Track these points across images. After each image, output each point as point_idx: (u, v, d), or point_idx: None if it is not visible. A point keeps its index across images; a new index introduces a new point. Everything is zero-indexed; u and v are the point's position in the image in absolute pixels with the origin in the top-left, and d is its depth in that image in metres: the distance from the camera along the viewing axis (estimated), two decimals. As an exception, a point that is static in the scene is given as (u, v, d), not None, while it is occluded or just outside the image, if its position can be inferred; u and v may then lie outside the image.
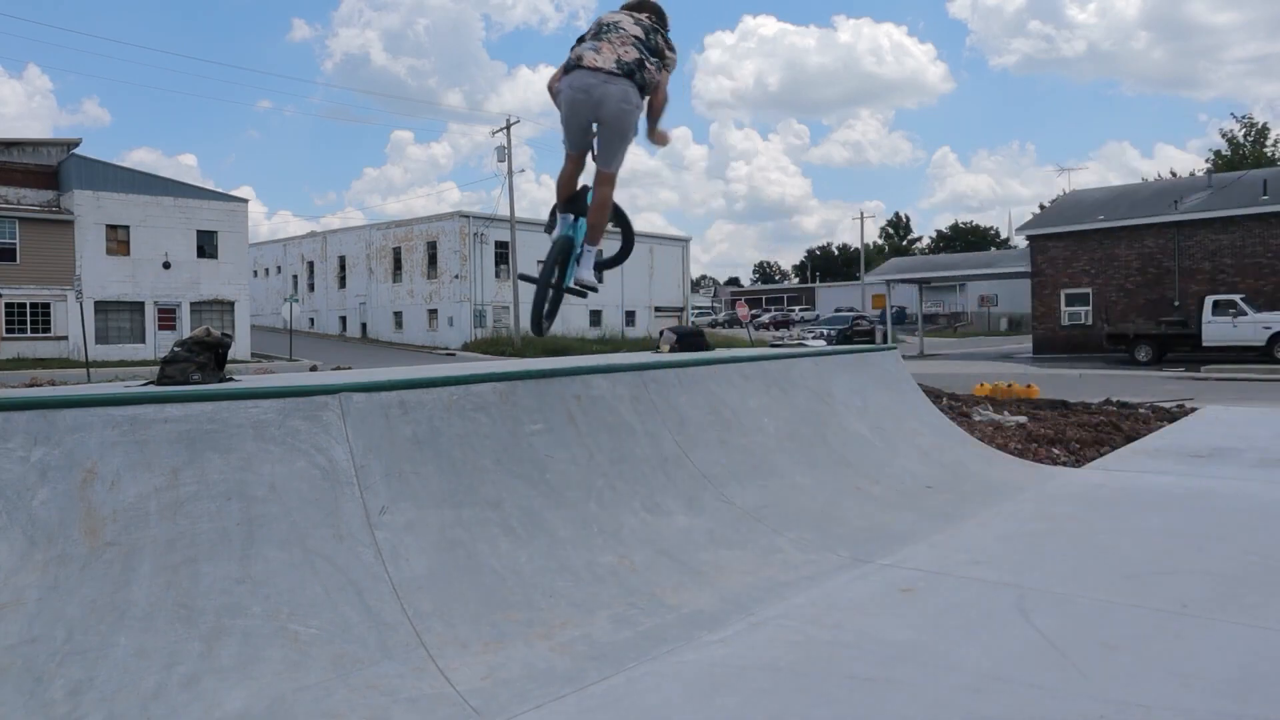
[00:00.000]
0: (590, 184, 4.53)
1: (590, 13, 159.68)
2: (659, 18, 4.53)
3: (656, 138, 4.56)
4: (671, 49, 4.46)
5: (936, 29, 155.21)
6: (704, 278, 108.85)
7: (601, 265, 4.88)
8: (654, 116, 4.48)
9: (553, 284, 4.70)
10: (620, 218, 4.99)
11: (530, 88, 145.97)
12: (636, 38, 4.30)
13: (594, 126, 4.35)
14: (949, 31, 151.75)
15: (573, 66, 4.24)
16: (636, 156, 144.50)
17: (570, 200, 4.58)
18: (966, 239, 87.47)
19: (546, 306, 4.79)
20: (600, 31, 4.34)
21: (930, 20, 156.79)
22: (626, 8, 4.55)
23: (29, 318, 33.93)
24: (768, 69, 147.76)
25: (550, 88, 4.42)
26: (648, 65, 4.28)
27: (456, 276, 45.10)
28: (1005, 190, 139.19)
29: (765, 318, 67.16)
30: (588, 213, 4.54)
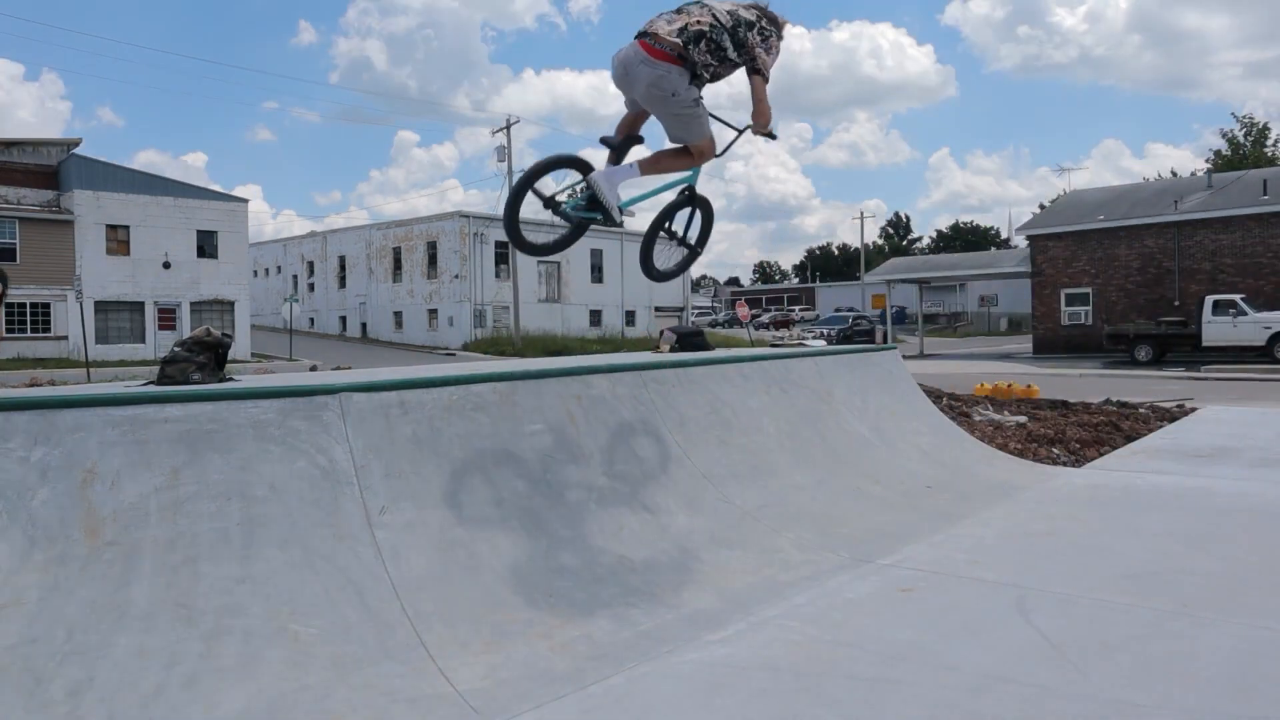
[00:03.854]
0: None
1: (592, 15, 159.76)
2: (769, 19, 4.14)
3: (755, 126, 4.18)
4: (761, 44, 3.99)
5: (933, 34, 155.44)
6: (704, 278, 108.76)
7: (669, 273, 4.99)
8: (756, 103, 4.07)
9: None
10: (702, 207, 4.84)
11: (533, 90, 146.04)
12: (714, 21, 3.94)
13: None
14: (945, 36, 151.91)
15: (639, 33, 4.01)
16: (638, 157, 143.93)
17: (622, 144, 4.40)
18: (966, 239, 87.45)
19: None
20: (683, 5, 4.07)
21: (926, 25, 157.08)
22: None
23: (29, 318, 33.93)
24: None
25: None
26: (713, 45, 3.92)
27: (456, 276, 45.10)
28: (1005, 190, 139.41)
29: (765, 318, 67.13)
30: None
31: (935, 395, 10.22)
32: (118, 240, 35.61)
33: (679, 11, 4.05)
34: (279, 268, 58.10)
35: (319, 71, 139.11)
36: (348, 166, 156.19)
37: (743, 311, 28.10)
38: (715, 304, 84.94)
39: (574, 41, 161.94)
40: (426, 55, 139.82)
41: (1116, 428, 8.99)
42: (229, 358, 4.79)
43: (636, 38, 3.99)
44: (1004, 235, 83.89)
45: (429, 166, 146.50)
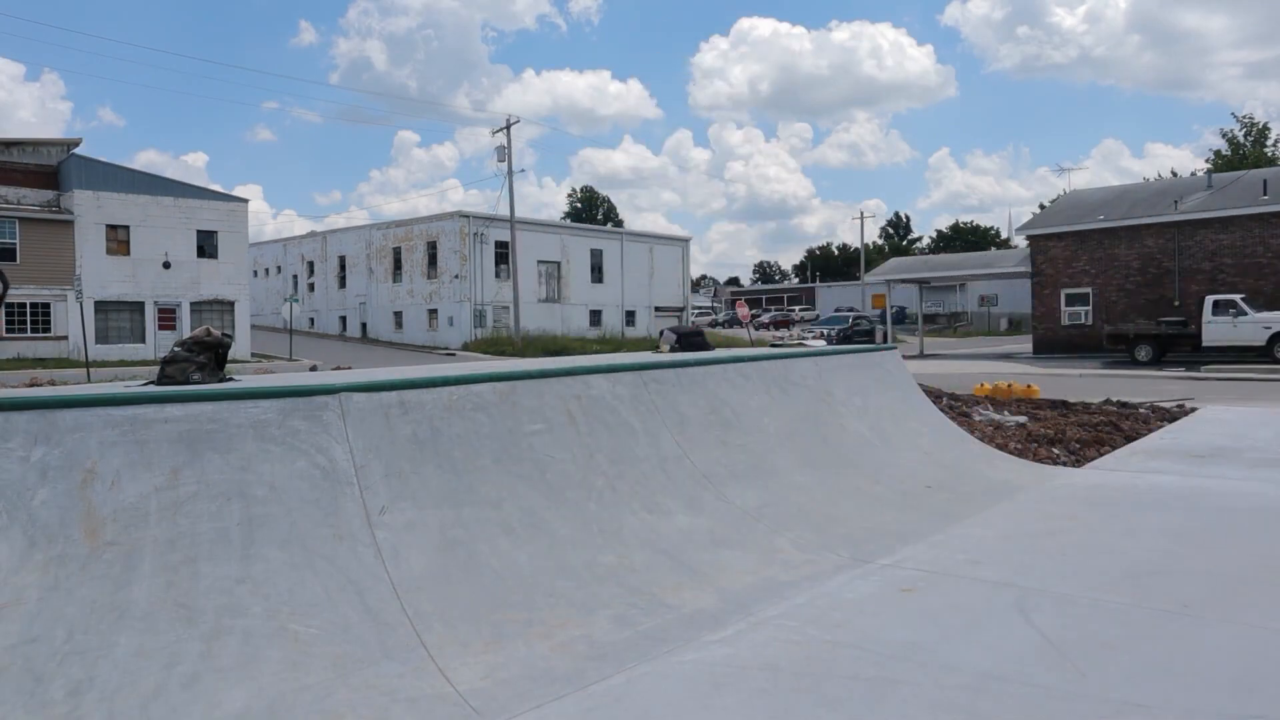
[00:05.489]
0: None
1: (592, 15, 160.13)
2: None
3: None
4: None
5: (933, 34, 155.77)
6: (704, 278, 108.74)
7: None
8: None
9: None
10: None
11: (533, 90, 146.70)
12: None
13: None
14: (945, 36, 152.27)
15: None
16: (638, 157, 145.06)
17: None
18: (966, 239, 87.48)
19: None
20: None
21: (925, 26, 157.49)
22: None
23: (29, 318, 33.92)
24: (764, 73, 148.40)
25: None
26: None
27: (456, 276, 45.09)
28: (1005, 190, 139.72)
29: (765, 318, 67.12)
30: None
31: (935, 395, 10.21)
32: (118, 240, 35.60)
33: None
34: (279, 268, 58.08)
35: (319, 71, 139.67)
36: (348, 166, 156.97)
37: (743, 311, 28.00)
38: (715, 304, 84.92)
39: (574, 42, 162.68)
40: (427, 55, 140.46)
41: (1116, 428, 8.99)
42: (229, 358, 4.79)
43: None
44: (1004, 235, 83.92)
45: (429, 166, 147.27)
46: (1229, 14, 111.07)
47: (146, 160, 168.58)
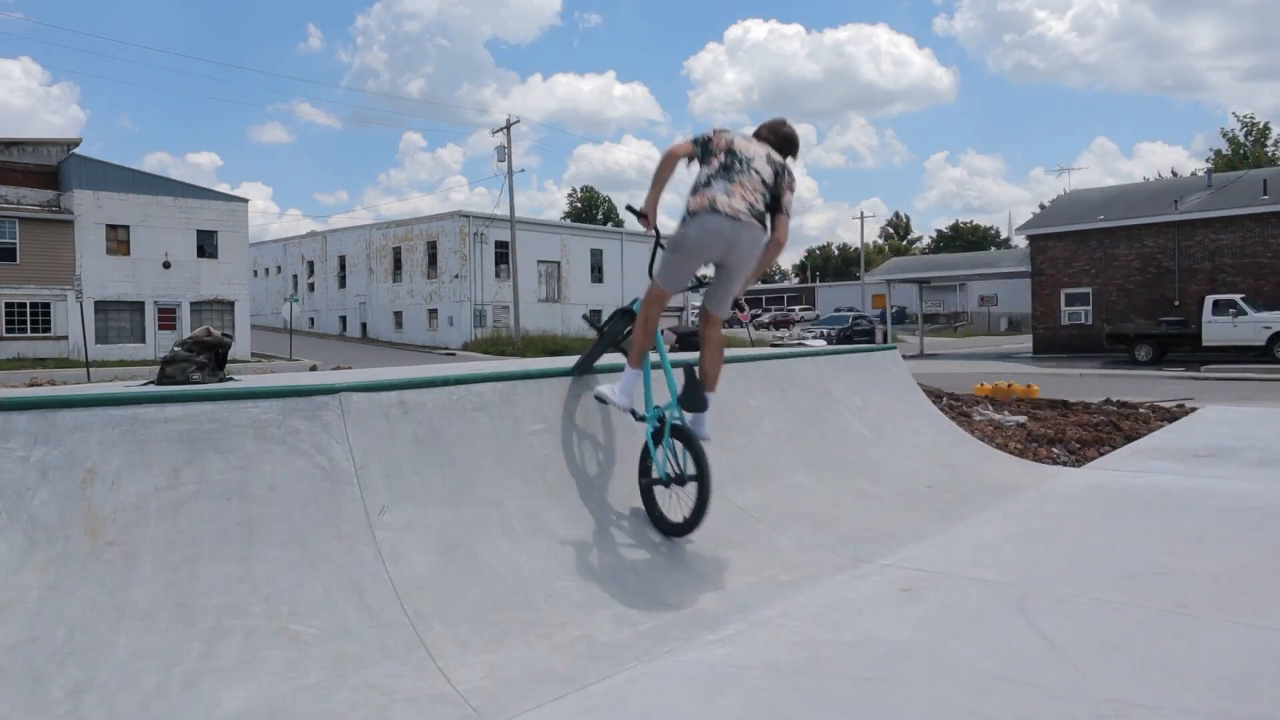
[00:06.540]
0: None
1: (596, 21, 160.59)
2: (793, 153, 4.35)
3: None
4: (791, 189, 4.23)
5: (933, 37, 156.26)
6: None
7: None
8: (770, 257, 4.25)
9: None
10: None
11: (536, 94, 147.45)
12: (765, 183, 4.10)
13: (709, 268, 4.15)
14: (945, 38, 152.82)
15: (707, 209, 3.93)
16: (639, 156, 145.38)
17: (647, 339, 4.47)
18: (966, 239, 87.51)
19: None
20: (732, 168, 4.03)
21: (926, 28, 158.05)
22: (763, 139, 4.31)
23: (29, 318, 33.95)
24: (762, 75, 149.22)
25: (648, 210, 4.14)
26: (769, 211, 4.17)
27: (456, 276, 45.11)
28: (1004, 191, 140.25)
29: (765, 317, 67.10)
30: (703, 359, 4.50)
31: (935, 395, 10.21)
32: (118, 240, 35.63)
33: (730, 178, 4.04)
34: (279, 268, 58.11)
35: (330, 75, 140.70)
36: (357, 169, 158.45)
37: (742, 312, 28.01)
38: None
39: (579, 47, 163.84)
40: (436, 60, 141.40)
41: (1116, 428, 8.98)
42: (229, 358, 4.79)
43: (711, 212, 3.97)
44: (1004, 235, 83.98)
45: (436, 169, 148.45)
46: (1226, 20, 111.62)
47: (157, 161, 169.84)
